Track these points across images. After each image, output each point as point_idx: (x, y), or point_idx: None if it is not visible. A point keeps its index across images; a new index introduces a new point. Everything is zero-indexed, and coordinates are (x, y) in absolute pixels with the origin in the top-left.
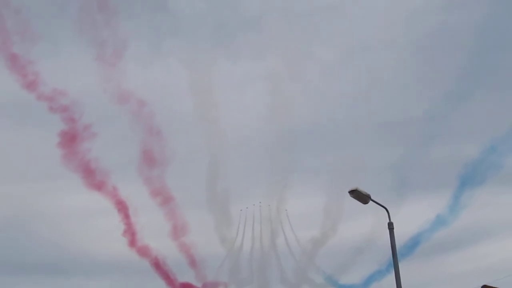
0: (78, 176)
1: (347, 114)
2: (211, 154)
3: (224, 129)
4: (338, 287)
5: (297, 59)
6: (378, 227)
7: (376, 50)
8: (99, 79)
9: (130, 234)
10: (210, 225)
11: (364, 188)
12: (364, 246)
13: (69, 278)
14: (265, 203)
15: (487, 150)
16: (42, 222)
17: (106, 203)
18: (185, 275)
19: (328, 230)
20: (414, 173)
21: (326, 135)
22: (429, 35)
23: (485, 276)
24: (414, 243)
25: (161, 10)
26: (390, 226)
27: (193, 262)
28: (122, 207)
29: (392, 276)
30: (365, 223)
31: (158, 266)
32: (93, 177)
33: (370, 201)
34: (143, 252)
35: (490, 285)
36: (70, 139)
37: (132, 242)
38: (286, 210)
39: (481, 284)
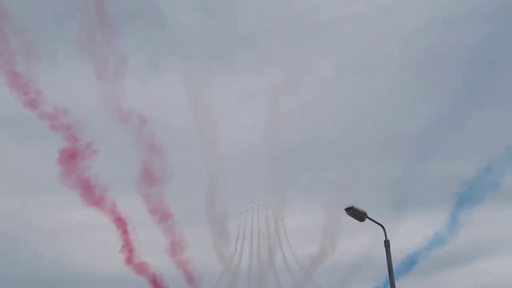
0: (76, 193)
1: (344, 131)
2: (209, 170)
3: (222, 145)
4: None
5: (294, 76)
6: (375, 243)
7: (372, 68)
8: (99, 96)
9: (128, 250)
10: (208, 241)
11: (361, 205)
12: (362, 263)
13: None
14: (262, 206)
15: (484, 169)
16: (38, 237)
17: (104, 219)
18: None
19: (326, 247)
20: (411, 190)
21: (323, 152)
22: (426, 53)
23: None
24: (412, 260)
25: (159, 27)
26: (387, 244)
27: (190, 279)
28: (120, 223)
29: None
30: (363, 239)
31: (156, 283)
32: (91, 194)
33: (367, 219)
34: (141, 268)
35: None
36: (70, 157)
37: (130, 259)
38: (282, 220)
39: None
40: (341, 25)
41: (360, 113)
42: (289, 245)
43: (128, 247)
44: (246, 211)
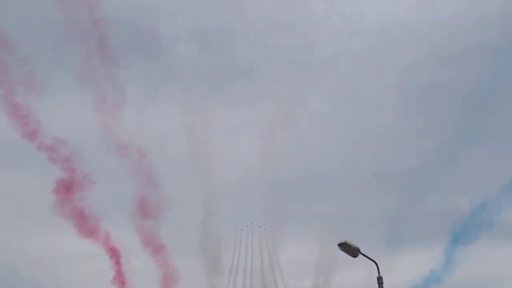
0: (70, 223)
1: (339, 164)
2: (204, 200)
3: (217, 176)
4: None
5: (290, 108)
6: (370, 279)
7: (368, 102)
8: (97, 127)
9: (120, 282)
10: (201, 272)
11: (355, 240)
12: None
13: None
14: (256, 225)
15: (478, 206)
16: (30, 265)
17: (97, 248)
18: None
19: (321, 284)
20: (406, 225)
21: (318, 184)
22: (422, 90)
23: None
24: None
25: (157, 58)
26: (380, 281)
27: None
28: (114, 253)
29: None
30: (358, 274)
31: None
32: (85, 225)
33: (360, 255)
34: None
35: None
36: (66, 187)
37: None
38: (276, 253)
39: None
40: (336, 60)
41: (355, 147)
42: (282, 280)
43: (120, 278)
44: (241, 229)
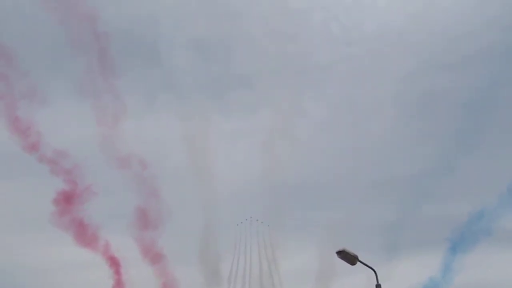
0: (69, 233)
1: (338, 172)
2: (203, 209)
3: (216, 184)
4: None
5: (288, 116)
6: (369, 286)
7: (367, 110)
8: (97, 138)
9: None
10: (200, 281)
11: (354, 247)
12: None
13: None
14: (255, 219)
15: (476, 214)
16: (28, 274)
17: (97, 257)
18: None
19: None
20: (405, 233)
21: (317, 192)
22: (420, 97)
23: None
24: None
25: (156, 67)
26: None
27: None
28: (113, 262)
29: None
30: (357, 281)
31: None
32: (84, 235)
33: (358, 262)
34: None
35: None
36: (66, 198)
37: None
38: (274, 260)
39: None
40: (335, 68)
41: (354, 154)
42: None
43: (119, 287)
44: (241, 222)
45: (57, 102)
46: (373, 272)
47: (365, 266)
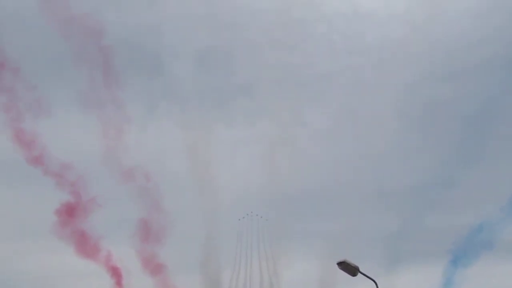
0: (70, 244)
1: (339, 182)
2: (204, 219)
3: (217, 193)
4: None
5: (289, 125)
6: None
7: (368, 120)
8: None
9: None
10: None
11: (356, 258)
12: None
13: None
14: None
15: (478, 227)
16: (29, 283)
17: (98, 267)
18: None
19: None
20: (407, 244)
21: (318, 202)
22: (422, 107)
23: None
24: None
25: (157, 76)
26: None
27: None
28: (115, 273)
29: None
30: None
31: None
32: (85, 246)
33: (359, 273)
34: None
35: None
36: (68, 210)
37: None
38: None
39: None
40: (336, 78)
41: (355, 165)
42: None
43: None
44: (243, 217)
45: (61, 113)
46: (374, 284)
47: (366, 278)
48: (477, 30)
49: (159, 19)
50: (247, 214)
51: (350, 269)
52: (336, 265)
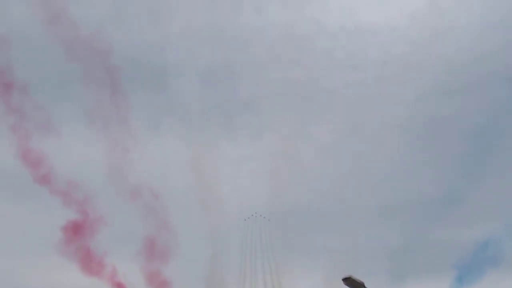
0: (75, 262)
1: (344, 197)
2: (210, 236)
3: (222, 209)
4: None
5: (293, 141)
6: None
7: (372, 135)
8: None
9: None
10: None
11: (361, 273)
12: None
13: None
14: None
15: (483, 244)
16: None
17: (103, 284)
18: None
19: None
20: (411, 259)
21: (323, 217)
22: (426, 122)
23: None
24: None
25: (161, 92)
26: None
27: None
28: None
29: None
30: None
31: None
32: (90, 264)
33: None
34: None
35: None
36: (74, 228)
37: None
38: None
39: None
40: (339, 93)
41: (359, 180)
42: None
43: None
44: (248, 218)
45: (68, 131)
46: None
47: None
48: (480, 46)
49: (163, 36)
50: (250, 217)
51: (355, 285)
52: (342, 281)
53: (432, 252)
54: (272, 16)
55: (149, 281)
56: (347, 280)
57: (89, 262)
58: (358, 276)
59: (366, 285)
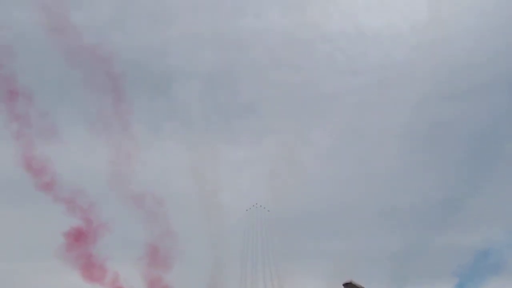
0: (77, 267)
1: (344, 201)
2: (210, 239)
3: (223, 212)
4: None
5: (293, 145)
6: None
7: (372, 139)
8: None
9: None
10: None
11: (362, 278)
12: None
13: None
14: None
15: (485, 251)
16: None
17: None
18: None
19: None
20: (412, 264)
21: (324, 222)
22: (427, 127)
23: None
24: None
25: (163, 96)
26: None
27: None
28: None
29: None
30: None
31: None
32: (92, 270)
33: None
34: None
35: None
36: (77, 235)
37: None
38: None
39: None
40: (340, 97)
41: (359, 184)
42: None
43: None
44: (250, 208)
45: (71, 137)
46: None
47: None
48: (481, 51)
49: (164, 41)
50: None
51: None
52: (342, 286)
53: (434, 257)
54: (272, 21)
55: (150, 287)
56: (347, 285)
57: (91, 268)
58: (359, 281)
59: None
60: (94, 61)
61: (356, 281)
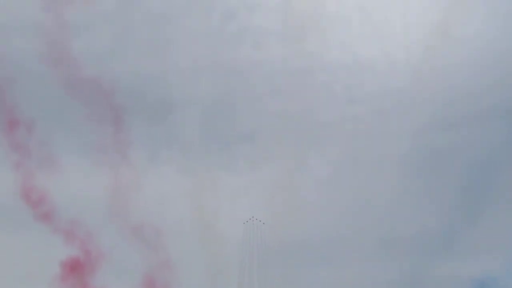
0: None
1: (343, 230)
2: (208, 266)
3: (220, 240)
4: None
5: (291, 173)
6: None
7: (371, 167)
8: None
9: None
10: None
11: None
12: None
13: None
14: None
15: (484, 281)
16: None
17: None
18: None
19: None
20: None
21: (322, 250)
22: (425, 154)
23: None
24: None
25: (161, 122)
26: None
27: None
28: None
29: None
30: None
31: None
32: None
33: None
34: None
35: None
36: (73, 266)
37: None
38: None
39: None
40: (337, 126)
41: (358, 213)
42: None
43: None
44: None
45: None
46: None
47: None
48: (479, 79)
49: (163, 69)
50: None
51: None
52: None
53: (435, 285)
54: (271, 50)
55: None
56: None
57: None
58: None
59: None
60: (94, 90)
61: None
